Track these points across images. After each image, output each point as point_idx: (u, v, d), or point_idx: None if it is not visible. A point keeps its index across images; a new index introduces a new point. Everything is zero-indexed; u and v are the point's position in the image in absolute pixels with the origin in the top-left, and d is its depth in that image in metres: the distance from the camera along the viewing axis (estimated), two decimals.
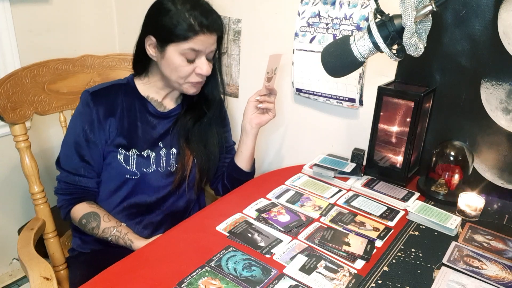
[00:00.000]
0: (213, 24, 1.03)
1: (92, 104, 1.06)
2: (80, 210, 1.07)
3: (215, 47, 1.08)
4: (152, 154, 1.11)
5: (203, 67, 1.06)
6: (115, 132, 1.08)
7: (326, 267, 0.82)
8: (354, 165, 1.25)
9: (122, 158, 1.08)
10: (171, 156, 1.13)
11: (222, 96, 1.24)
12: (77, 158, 1.07)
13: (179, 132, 1.15)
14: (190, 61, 1.04)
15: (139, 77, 1.15)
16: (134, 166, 1.08)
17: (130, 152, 1.08)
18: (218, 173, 1.27)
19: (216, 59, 1.14)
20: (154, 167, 1.11)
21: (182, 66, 1.04)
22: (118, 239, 1.04)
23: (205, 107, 1.19)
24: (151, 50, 1.06)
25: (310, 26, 1.30)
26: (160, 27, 1.02)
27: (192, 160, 1.16)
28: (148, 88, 1.14)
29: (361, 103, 1.31)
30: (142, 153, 1.10)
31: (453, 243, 0.92)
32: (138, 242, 1.02)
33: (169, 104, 1.17)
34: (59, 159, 1.11)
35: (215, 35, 1.05)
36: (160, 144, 1.13)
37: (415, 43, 0.82)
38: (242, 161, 1.21)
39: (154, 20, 1.04)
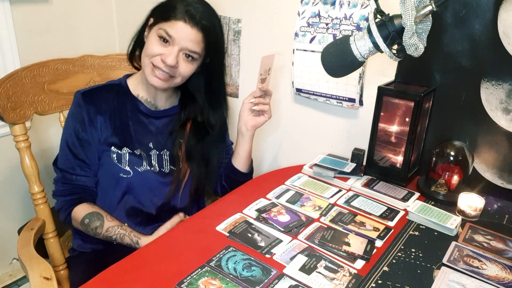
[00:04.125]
0: (201, 19, 1.00)
1: (83, 104, 1.07)
2: (81, 210, 1.07)
3: (197, 50, 1.03)
4: (143, 154, 1.11)
5: (169, 56, 1.00)
6: (107, 131, 1.08)
7: (326, 267, 0.82)
8: (354, 165, 1.25)
9: (115, 157, 1.08)
10: (163, 158, 1.13)
11: (226, 114, 1.22)
12: (71, 157, 1.08)
13: (175, 144, 1.14)
14: (162, 45, 1.01)
15: (133, 76, 1.16)
16: (127, 164, 1.09)
17: (122, 151, 1.08)
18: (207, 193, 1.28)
19: (216, 80, 1.13)
20: (147, 166, 1.11)
21: (153, 44, 1.02)
22: (124, 237, 1.04)
23: (209, 128, 1.18)
24: (146, 31, 1.08)
25: (310, 26, 1.30)
26: (158, 8, 1.05)
27: (188, 176, 1.16)
28: (139, 86, 1.14)
29: (361, 103, 1.31)
30: (135, 151, 1.10)
31: (453, 243, 0.92)
32: (145, 239, 1.03)
33: (161, 104, 1.16)
34: (56, 160, 1.11)
35: (198, 32, 1.01)
36: (150, 144, 1.12)
37: (415, 43, 0.82)
38: (239, 163, 1.21)
39: (160, 3, 1.06)
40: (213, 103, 1.16)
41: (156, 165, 1.12)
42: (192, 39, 1.01)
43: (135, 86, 1.14)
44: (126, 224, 1.07)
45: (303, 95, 1.40)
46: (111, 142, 1.08)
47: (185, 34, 1.00)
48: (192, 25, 1.00)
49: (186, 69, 1.05)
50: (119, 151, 1.08)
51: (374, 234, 0.95)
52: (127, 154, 1.09)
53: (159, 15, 1.03)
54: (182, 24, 0.99)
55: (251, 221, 0.97)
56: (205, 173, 1.19)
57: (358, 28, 1.22)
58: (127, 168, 1.09)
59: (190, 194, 1.19)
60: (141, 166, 1.10)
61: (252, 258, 0.84)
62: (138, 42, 1.12)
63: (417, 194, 1.13)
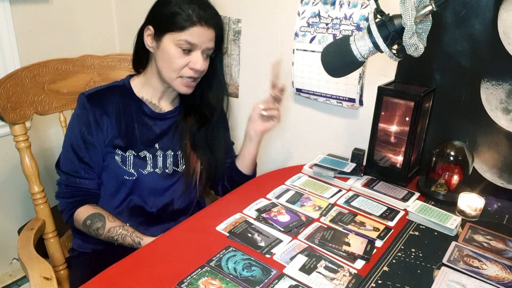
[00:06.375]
0: (211, 18, 1.03)
1: (89, 106, 1.06)
2: (83, 212, 1.07)
3: (213, 45, 1.07)
4: (149, 155, 1.11)
5: (197, 62, 1.04)
6: (113, 133, 1.08)
7: (326, 267, 0.82)
8: (354, 165, 1.25)
9: (119, 159, 1.08)
10: (167, 159, 1.13)
11: (225, 100, 1.22)
12: (76, 160, 1.07)
13: (181, 137, 1.15)
14: (185, 54, 1.04)
15: (136, 76, 1.16)
16: (131, 167, 1.08)
17: (127, 153, 1.08)
18: (217, 182, 1.28)
19: (218, 65, 1.14)
20: (151, 168, 1.11)
21: (175, 57, 1.04)
22: (125, 238, 1.04)
23: (208, 112, 1.18)
24: (148, 41, 1.07)
25: (310, 26, 1.30)
26: (159, 16, 1.04)
27: (199, 165, 1.17)
28: (144, 88, 1.14)
29: (361, 103, 1.31)
30: (139, 153, 1.10)
31: (453, 243, 0.92)
32: (147, 239, 1.03)
33: (165, 106, 1.17)
34: (59, 162, 1.11)
35: (212, 31, 1.05)
36: (156, 146, 1.13)
37: (415, 43, 0.82)
38: (243, 165, 1.22)
39: (155, 11, 1.06)
40: (212, 84, 1.16)
41: (161, 166, 1.12)
42: (210, 39, 1.05)
43: (140, 89, 1.14)
44: (128, 224, 1.07)
45: (303, 95, 1.40)
46: (116, 144, 1.08)
47: (205, 37, 1.04)
48: (208, 26, 1.03)
49: (206, 66, 1.09)
50: (124, 154, 1.08)
51: (374, 234, 0.95)
52: (131, 156, 1.09)
53: (168, 25, 1.02)
54: (200, 28, 1.02)
55: (251, 221, 0.97)
56: (213, 160, 1.20)
57: (358, 28, 1.22)
58: (132, 171, 1.09)
59: (202, 184, 1.21)
60: (145, 168, 1.10)
61: (252, 258, 0.84)
62: (141, 52, 1.11)
63: (417, 194, 1.13)
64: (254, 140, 1.19)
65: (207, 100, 1.18)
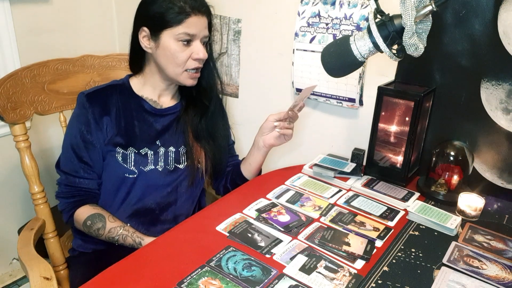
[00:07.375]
0: (203, 5, 1.05)
1: (88, 105, 1.06)
2: (83, 212, 1.07)
3: (208, 32, 1.08)
4: (150, 152, 1.11)
5: (200, 51, 1.06)
6: (112, 132, 1.08)
7: (326, 267, 0.82)
8: (354, 165, 1.25)
9: (120, 157, 1.08)
10: (169, 155, 1.13)
11: (218, 86, 1.22)
12: (75, 159, 1.07)
13: (184, 130, 1.15)
14: (186, 47, 1.05)
15: (135, 76, 1.16)
16: (132, 164, 1.08)
17: (128, 151, 1.08)
18: (222, 172, 1.28)
19: (207, 49, 1.14)
20: (152, 165, 1.11)
21: (178, 51, 1.04)
22: (126, 238, 1.04)
23: (205, 100, 1.18)
24: (145, 43, 1.06)
25: (310, 26, 1.30)
26: (151, 16, 1.04)
27: (203, 156, 1.18)
28: (144, 87, 1.14)
29: (361, 103, 1.31)
30: (140, 151, 1.10)
31: (453, 243, 0.92)
32: (148, 239, 1.03)
33: (166, 103, 1.17)
34: (59, 161, 1.11)
35: (206, 18, 1.06)
36: (158, 142, 1.13)
37: (415, 43, 0.82)
38: (248, 172, 1.22)
39: (145, 11, 1.05)
40: (204, 70, 1.15)
41: (162, 163, 1.12)
42: (206, 26, 1.07)
43: (140, 88, 1.14)
44: (128, 224, 1.07)
45: None
46: (117, 142, 1.08)
47: (201, 25, 1.05)
48: (202, 14, 1.05)
49: (206, 53, 1.09)
50: (125, 151, 1.08)
51: (374, 234, 0.95)
52: (132, 154, 1.09)
53: (163, 22, 1.02)
54: (195, 18, 1.03)
55: (251, 221, 0.97)
56: (217, 148, 1.20)
57: (358, 28, 1.22)
58: (133, 168, 1.09)
59: (209, 175, 1.22)
60: (147, 166, 1.10)
61: (252, 258, 0.84)
62: (137, 54, 1.11)
63: (417, 194, 1.13)
64: (261, 151, 1.19)
65: (203, 87, 1.18)
